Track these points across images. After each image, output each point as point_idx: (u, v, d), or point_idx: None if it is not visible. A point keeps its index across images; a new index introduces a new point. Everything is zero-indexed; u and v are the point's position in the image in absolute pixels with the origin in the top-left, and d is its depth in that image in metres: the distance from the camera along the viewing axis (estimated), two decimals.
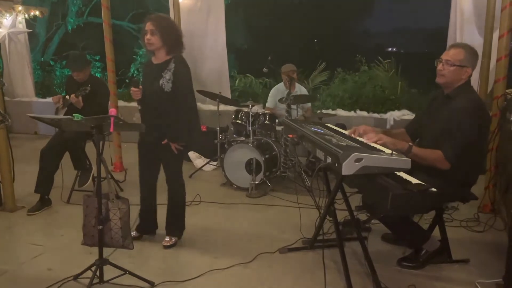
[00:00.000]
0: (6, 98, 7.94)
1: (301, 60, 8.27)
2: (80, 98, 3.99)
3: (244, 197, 4.45)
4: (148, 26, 2.99)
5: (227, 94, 6.80)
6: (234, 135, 5.02)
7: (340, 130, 3.10)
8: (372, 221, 3.50)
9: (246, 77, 8.99)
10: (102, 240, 2.68)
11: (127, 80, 10.89)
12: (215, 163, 5.32)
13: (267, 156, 4.53)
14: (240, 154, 4.58)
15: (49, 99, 4.36)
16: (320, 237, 3.28)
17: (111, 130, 2.37)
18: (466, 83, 2.80)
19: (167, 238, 3.38)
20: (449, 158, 2.65)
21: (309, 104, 5.44)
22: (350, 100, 7.07)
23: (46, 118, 2.52)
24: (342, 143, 2.50)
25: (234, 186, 4.66)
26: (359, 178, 2.71)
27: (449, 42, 5.24)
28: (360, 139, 2.79)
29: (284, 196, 4.39)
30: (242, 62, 13.90)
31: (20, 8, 7.17)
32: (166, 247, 3.33)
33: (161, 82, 3.01)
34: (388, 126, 5.61)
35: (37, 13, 7.56)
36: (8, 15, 7.13)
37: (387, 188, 2.30)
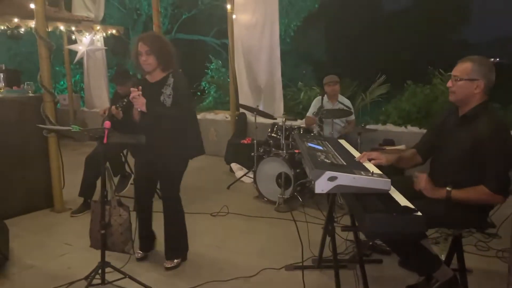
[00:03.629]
0: (84, 109, 8.86)
1: (386, 72, 7.89)
2: (120, 110, 4.29)
3: (272, 211, 4.43)
4: (142, 47, 2.97)
5: (280, 107, 6.85)
6: (273, 149, 5.02)
7: (348, 149, 2.97)
8: None
9: (312, 90, 8.93)
10: (104, 244, 2.87)
11: (199, 93, 11.40)
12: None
13: (298, 170, 4.47)
14: (271, 167, 4.57)
15: None
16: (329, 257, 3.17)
17: (105, 141, 2.54)
18: (485, 103, 2.54)
19: (168, 261, 3.26)
20: (495, 189, 2.42)
21: (352, 117, 5.27)
22: (418, 115, 6.67)
23: (55, 128, 2.78)
24: (327, 161, 2.40)
25: (265, 199, 4.67)
26: (349, 197, 2.60)
27: None
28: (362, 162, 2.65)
29: (312, 212, 4.27)
30: (320, 74, 13.84)
31: (98, 27, 7.90)
32: (168, 269, 3.22)
33: (162, 98, 3.04)
34: None
35: (114, 31, 8.28)
36: (87, 34, 7.90)
37: (365, 209, 2.18)
